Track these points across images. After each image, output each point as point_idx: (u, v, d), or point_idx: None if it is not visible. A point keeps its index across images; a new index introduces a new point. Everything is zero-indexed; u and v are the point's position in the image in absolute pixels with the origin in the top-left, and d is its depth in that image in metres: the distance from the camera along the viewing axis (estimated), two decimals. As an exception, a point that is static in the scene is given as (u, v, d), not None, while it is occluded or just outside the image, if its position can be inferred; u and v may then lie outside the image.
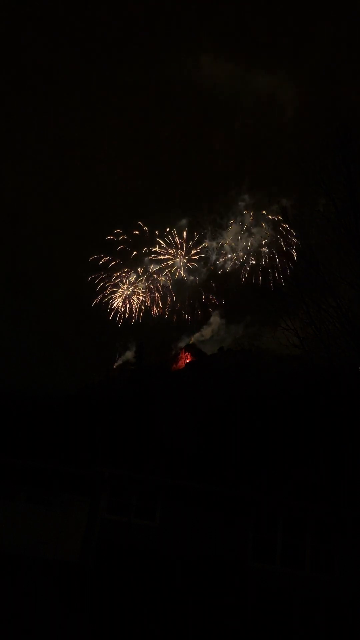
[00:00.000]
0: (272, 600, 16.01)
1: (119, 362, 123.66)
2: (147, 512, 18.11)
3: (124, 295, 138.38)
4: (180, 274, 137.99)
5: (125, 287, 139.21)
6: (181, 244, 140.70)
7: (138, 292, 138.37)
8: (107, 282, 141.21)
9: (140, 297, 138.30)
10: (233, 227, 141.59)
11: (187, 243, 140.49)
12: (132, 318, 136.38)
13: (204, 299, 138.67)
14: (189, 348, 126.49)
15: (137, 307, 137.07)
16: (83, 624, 12.35)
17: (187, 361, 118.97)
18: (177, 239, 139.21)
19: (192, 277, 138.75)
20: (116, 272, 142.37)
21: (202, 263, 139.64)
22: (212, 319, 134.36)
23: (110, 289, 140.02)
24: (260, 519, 17.75)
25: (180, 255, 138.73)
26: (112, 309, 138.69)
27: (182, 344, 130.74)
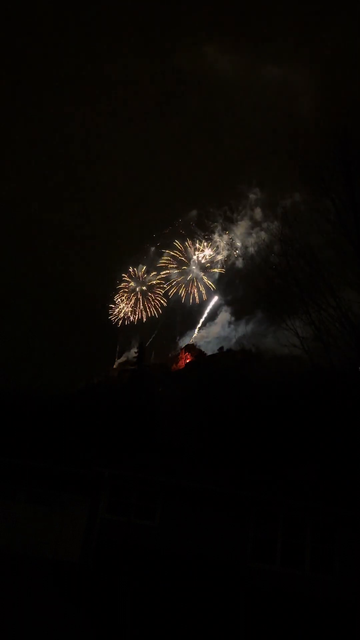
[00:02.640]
0: (272, 600, 16.01)
1: (122, 360, 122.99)
2: (147, 512, 18.11)
3: (128, 302, 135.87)
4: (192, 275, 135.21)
5: (132, 284, 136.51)
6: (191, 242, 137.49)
7: (142, 295, 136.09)
8: (112, 292, 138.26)
9: (148, 297, 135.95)
10: (243, 222, 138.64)
11: (198, 238, 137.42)
12: (142, 318, 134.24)
13: (211, 295, 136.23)
14: (189, 348, 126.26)
15: (141, 310, 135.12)
16: (83, 624, 12.36)
17: (187, 361, 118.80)
18: (188, 242, 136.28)
19: (202, 274, 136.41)
20: (121, 273, 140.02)
21: (213, 259, 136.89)
22: (219, 318, 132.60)
23: (114, 295, 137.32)
24: (260, 519, 17.74)
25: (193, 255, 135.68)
26: (116, 315, 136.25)
27: (183, 344, 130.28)
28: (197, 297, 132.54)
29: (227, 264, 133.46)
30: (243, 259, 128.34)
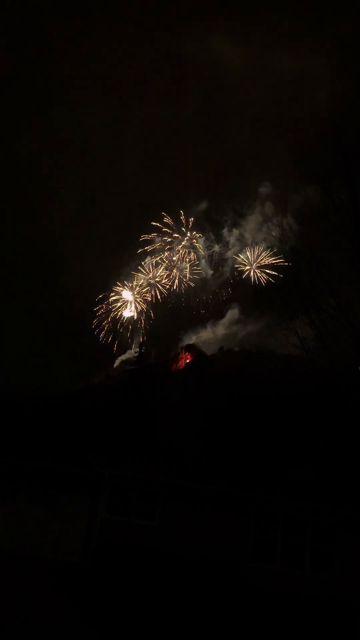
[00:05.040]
0: (272, 601, 16.00)
1: (125, 357, 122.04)
2: (147, 512, 18.11)
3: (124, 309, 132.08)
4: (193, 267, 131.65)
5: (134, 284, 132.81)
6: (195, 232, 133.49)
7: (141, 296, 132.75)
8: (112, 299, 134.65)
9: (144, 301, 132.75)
10: (252, 217, 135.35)
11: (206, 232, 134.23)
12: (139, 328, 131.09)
13: (220, 293, 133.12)
14: (189, 348, 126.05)
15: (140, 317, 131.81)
16: (83, 624, 12.35)
17: (187, 361, 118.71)
18: (184, 228, 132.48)
19: (211, 271, 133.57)
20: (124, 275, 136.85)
21: (219, 255, 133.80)
22: (227, 316, 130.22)
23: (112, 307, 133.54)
24: (260, 519, 17.75)
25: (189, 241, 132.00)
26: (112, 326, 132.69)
27: (184, 343, 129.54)
28: (201, 306, 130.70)
29: (237, 261, 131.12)
30: (254, 255, 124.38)
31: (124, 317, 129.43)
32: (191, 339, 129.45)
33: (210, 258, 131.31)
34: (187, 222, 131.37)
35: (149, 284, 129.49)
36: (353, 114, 14.29)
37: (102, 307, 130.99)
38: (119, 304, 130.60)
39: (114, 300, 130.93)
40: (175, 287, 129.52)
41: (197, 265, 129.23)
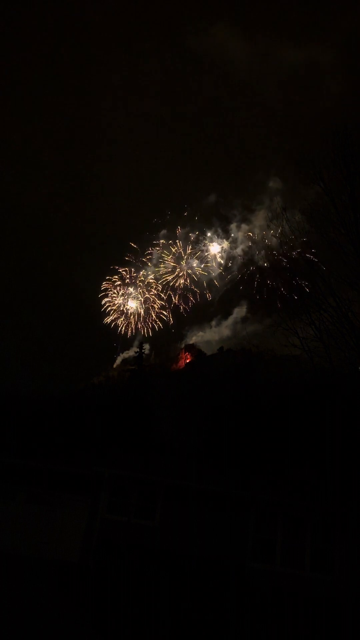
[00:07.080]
0: (271, 600, 16.00)
1: (126, 354, 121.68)
2: (147, 512, 18.10)
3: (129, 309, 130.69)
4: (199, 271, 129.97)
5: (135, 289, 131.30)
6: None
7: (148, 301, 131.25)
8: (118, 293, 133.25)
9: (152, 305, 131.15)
10: (261, 213, 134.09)
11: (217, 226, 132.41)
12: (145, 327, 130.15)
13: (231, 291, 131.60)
14: (189, 348, 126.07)
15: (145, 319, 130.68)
16: (83, 624, 12.36)
17: (187, 361, 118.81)
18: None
19: (220, 270, 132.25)
20: (131, 274, 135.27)
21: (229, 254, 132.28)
22: (234, 313, 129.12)
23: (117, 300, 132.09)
24: (260, 519, 17.74)
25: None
26: (117, 324, 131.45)
27: (185, 343, 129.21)
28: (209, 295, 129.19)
29: (245, 258, 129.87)
30: (263, 253, 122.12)
31: (125, 315, 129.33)
32: (195, 335, 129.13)
33: (218, 255, 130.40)
34: (193, 217, 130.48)
35: (153, 280, 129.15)
36: (353, 113, 14.28)
37: (106, 304, 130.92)
38: (119, 305, 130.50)
39: (116, 300, 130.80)
40: (181, 283, 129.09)
41: (206, 261, 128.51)
